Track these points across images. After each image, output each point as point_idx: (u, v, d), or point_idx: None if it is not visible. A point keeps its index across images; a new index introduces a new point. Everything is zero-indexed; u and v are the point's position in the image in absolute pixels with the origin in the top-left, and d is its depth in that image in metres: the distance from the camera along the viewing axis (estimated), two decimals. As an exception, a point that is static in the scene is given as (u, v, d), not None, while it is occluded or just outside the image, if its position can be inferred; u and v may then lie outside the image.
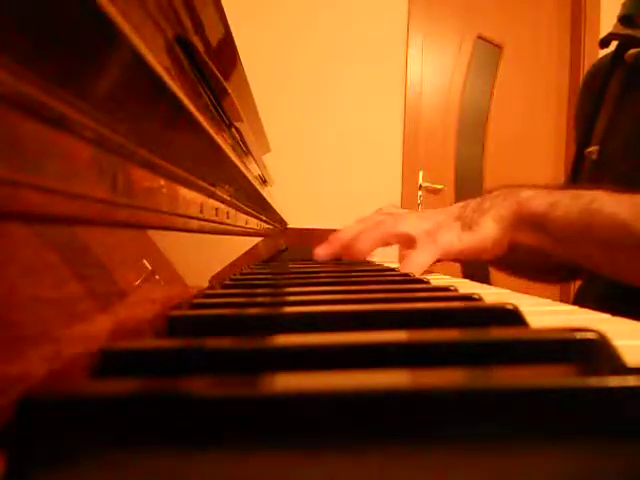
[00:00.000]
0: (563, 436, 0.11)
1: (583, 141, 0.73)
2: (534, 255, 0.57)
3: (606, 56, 0.74)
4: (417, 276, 0.47)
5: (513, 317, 0.21)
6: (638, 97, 0.66)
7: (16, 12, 0.13)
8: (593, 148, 0.70)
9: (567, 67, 2.32)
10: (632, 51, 0.67)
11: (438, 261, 0.55)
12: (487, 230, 0.53)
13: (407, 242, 0.55)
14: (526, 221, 0.51)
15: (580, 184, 0.56)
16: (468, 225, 0.54)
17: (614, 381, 0.11)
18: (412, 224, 0.56)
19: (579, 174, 0.73)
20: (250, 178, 0.57)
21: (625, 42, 0.69)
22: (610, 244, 0.47)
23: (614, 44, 0.72)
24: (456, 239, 0.54)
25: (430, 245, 0.54)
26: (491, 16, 2.25)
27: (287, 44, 2.06)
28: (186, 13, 0.34)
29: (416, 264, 0.52)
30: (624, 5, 0.70)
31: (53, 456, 0.11)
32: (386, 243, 0.58)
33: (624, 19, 0.69)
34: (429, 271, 0.55)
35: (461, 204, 0.57)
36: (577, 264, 0.52)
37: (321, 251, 0.60)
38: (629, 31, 0.68)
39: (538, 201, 0.51)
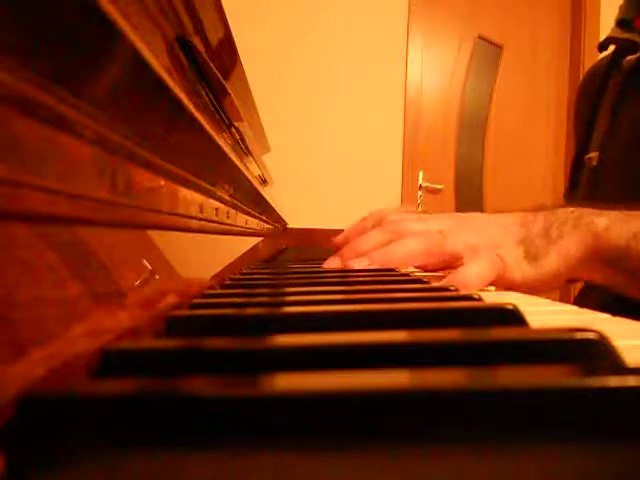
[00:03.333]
0: (563, 436, 0.11)
1: (582, 147, 0.73)
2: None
3: (603, 60, 0.74)
4: (469, 291, 0.39)
5: (513, 317, 0.21)
6: (636, 102, 0.66)
7: (16, 12, 0.13)
8: (593, 154, 0.69)
9: (567, 67, 2.32)
10: (630, 57, 0.67)
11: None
12: (552, 266, 0.45)
13: (452, 262, 0.45)
14: (602, 258, 0.44)
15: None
16: (533, 255, 0.45)
17: (614, 381, 0.11)
18: (462, 240, 0.45)
19: (578, 180, 0.73)
20: (250, 178, 0.57)
21: (623, 46, 0.69)
22: None
23: (612, 47, 0.72)
24: (517, 268, 0.45)
25: (494, 257, 0.43)
26: (491, 16, 2.25)
27: (287, 44, 2.06)
28: (186, 13, 0.34)
29: (473, 274, 0.41)
30: (621, 9, 0.70)
31: (53, 456, 0.11)
32: (425, 262, 0.47)
33: (621, 23, 0.69)
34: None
35: (517, 220, 0.47)
36: None
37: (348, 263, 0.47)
38: (627, 35, 0.68)
39: (618, 231, 0.43)
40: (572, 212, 0.46)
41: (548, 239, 0.45)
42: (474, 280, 0.41)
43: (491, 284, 0.45)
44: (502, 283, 0.45)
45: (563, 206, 0.48)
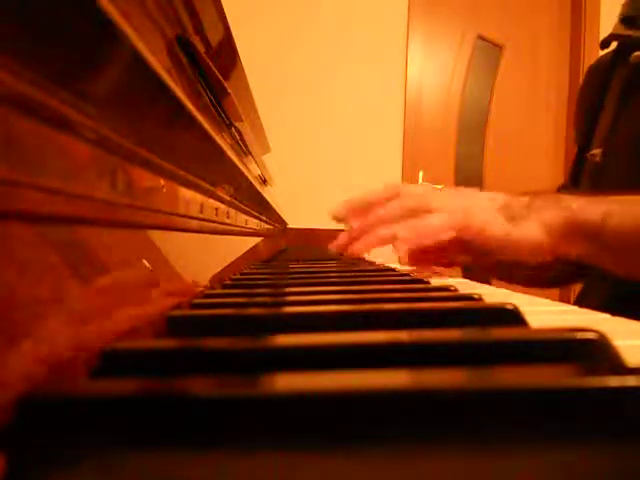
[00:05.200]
0: (563, 436, 0.11)
1: (584, 143, 0.73)
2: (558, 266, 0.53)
3: (605, 57, 0.74)
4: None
5: (513, 317, 0.21)
6: None
7: (16, 12, 0.13)
8: (596, 151, 0.69)
9: (567, 67, 2.32)
10: (637, 53, 0.67)
11: (466, 265, 0.48)
12: (533, 231, 0.47)
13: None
14: (579, 231, 0.47)
15: (586, 187, 0.54)
16: (512, 217, 0.48)
17: (614, 381, 0.11)
18: (445, 201, 0.49)
19: (579, 176, 0.73)
20: (250, 178, 0.57)
21: (626, 43, 0.69)
22: None
23: (614, 44, 0.72)
24: (496, 225, 0.48)
25: (458, 214, 0.47)
26: (491, 16, 2.25)
27: (287, 44, 2.06)
28: (186, 13, 0.34)
29: (429, 224, 0.45)
30: (624, 6, 0.70)
31: (53, 456, 0.11)
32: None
33: (625, 20, 0.69)
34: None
35: (504, 195, 0.51)
36: (631, 278, 0.48)
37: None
38: (630, 32, 0.67)
39: (592, 209, 0.46)
40: (552, 196, 0.50)
41: (532, 209, 0.48)
42: (429, 227, 0.45)
43: (468, 241, 0.48)
44: (481, 239, 0.48)
45: (543, 192, 0.52)
